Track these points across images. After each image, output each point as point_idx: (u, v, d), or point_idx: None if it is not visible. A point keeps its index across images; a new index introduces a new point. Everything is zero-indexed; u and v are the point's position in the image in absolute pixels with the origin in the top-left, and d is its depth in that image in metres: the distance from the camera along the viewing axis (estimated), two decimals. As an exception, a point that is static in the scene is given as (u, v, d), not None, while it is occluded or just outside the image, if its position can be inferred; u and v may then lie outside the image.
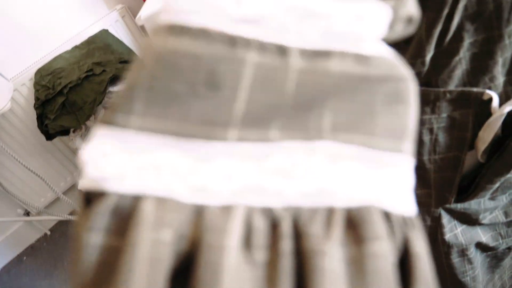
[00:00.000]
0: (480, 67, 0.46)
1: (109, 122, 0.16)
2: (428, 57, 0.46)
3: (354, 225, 0.17)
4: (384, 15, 0.18)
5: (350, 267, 0.17)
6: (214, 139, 0.16)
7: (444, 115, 0.51)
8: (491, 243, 0.64)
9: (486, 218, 0.61)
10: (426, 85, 0.50)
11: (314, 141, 0.17)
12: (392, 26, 0.19)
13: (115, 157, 0.16)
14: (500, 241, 0.64)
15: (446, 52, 0.46)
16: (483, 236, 0.63)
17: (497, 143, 0.51)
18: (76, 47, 1.73)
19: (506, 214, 0.62)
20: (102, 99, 1.55)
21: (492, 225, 0.63)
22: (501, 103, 0.47)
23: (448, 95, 0.48)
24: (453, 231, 0.62)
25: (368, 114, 0.18)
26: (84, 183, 0.16)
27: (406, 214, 0.19)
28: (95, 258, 0.15)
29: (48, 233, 2.03)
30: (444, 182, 0.58)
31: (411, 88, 0.19)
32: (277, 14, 0.16)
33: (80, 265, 0.15)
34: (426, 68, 0.48)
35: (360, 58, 0.17)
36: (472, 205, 0.59)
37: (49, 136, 1.64)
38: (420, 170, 0.59)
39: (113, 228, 0.16)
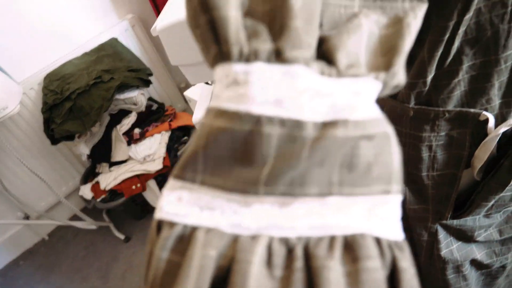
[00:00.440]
0: (477, 89, 0.47)
1: (181, 177, 0.23)
2: (429, 78, 0.47)
3: (351, 248, 0.22)
4: (376, 89, 0.24)
5: (348, 279, 0.21)
6: (249, 193, 0.22)
7: (443, 133, 0.52)
8: (486, 261, 0.64)
9: (481, 236, 0.61)
10: (427, 104, 0.51)
11: (325, 198, 0.22)
12: (382, 92, 0.25)
13: (185, 201, 0.23)
14: (495, 258, 0.64)
15: (447, 74, 0.47)
16: (478, 253, 0.63)
17: (492, 162, 0.52)
18: (85, 53, 1.73)
19: (500, 232, 0.62)
20: (108, 106, 1.54)
21: (486, 243, 0.63)
22: (497, 124, 0.49)
23: (447, 115, 0.49)
24: (449, 247, 0.62)
25: (366, 167, 0.22)
26: (161, 215, 0.23)
27: (394, 239, 0.23)
28: (163, 268, 0.22)
29: (46, 238, 1.99)
30: (441, 198, 0.58)
31: (393, 140, 0.23)
32: (293, 96, 0.21)
33: (153, 272, 0.22)
34: (427, 88, 0.49)
35: (358, 123, 0.22)
36: (467, 222, 0.59)
37: (54, 140, 1.63)
38: (419, 186, 0.60)
39: (176, 248, 0.22)
